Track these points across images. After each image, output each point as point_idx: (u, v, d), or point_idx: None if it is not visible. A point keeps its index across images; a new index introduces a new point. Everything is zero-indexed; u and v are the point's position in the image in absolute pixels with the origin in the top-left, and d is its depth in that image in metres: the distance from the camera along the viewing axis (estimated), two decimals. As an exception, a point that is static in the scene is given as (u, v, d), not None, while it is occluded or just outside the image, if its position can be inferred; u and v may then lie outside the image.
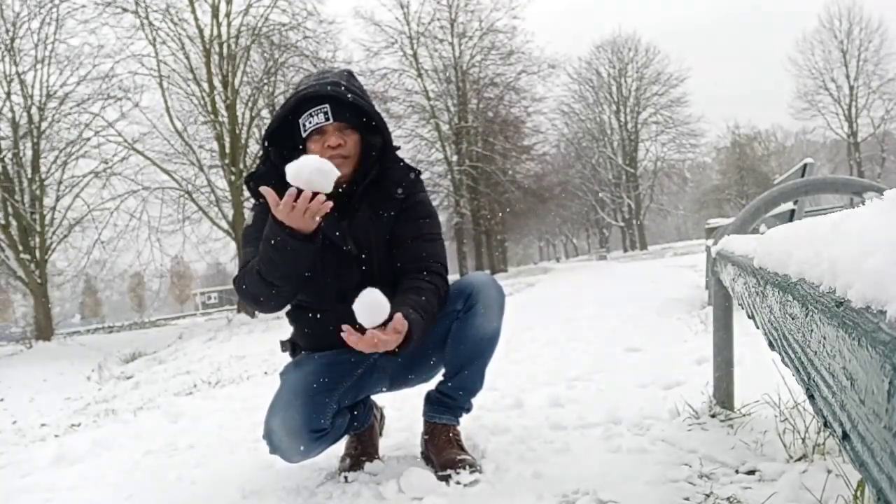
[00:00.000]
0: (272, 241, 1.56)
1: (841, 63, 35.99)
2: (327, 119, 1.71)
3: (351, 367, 1.80)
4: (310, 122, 1.71)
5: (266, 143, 1.79)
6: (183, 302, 58.84)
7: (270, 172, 1.78)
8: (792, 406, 1.63)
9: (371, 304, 1.47)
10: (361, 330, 1.47)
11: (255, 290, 1.66)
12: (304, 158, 1.51)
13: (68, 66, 16.13)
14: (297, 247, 1.55)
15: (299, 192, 1.50)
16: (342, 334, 1.44)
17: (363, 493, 1.70)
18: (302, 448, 1.69)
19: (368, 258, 1.78)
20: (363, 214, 1.78)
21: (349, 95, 1.73)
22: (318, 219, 1.55)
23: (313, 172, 1.48)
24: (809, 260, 0.60)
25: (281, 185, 1.78)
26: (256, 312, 15.28)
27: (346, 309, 1.70)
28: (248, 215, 1.84)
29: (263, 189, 1.53)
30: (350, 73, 1.84)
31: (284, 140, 1.79)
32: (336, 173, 1.51)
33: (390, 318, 1.49)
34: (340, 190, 1.80)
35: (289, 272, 1.61)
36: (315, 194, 1.51)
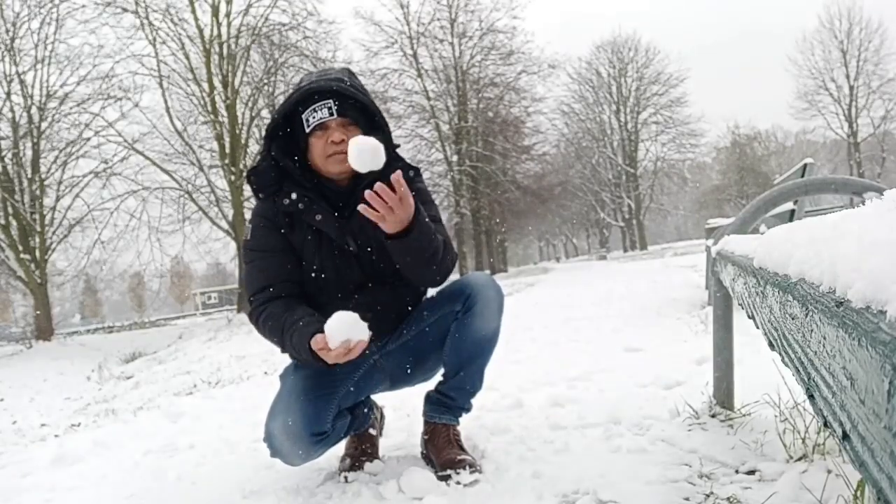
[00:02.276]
0: (303, 358, 1.58)
1: (841, 63, 35.99)
2: (331, 114, 1.71)
3: (351, 369, 1.80)
4: (313, 118, 1.71)
5: (269, 138, 1.79)
6: (183, 302, 58.82)
7: (271, 169, 1.78)
8: (792, 406, 1.63)
9: (367, 146, 1.55)
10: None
11: (273, 342, 1.70)
12: (336, 319, 1.49)
13: (68, 66, 16.17)
14: (325, 367, 1.58)
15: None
16: (366, 195, 1.52)
17: (363, 493, 1.70)
18: (303, 451, 1.68)
19: (368, 256, 1.78)
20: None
21: (353, 92, 1.73)
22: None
23: (352, 331, 1.48)
24: (809, 260, 0.60)
25: (279, 182, 1.78)
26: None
27: (347, 307, 1.70)
28: (247, 227, 1.84)
29: (316, 340, 1.51)
30: (350, 72, 1.84)
31: (286, 135, 1.79)
32: (364, 327, 1.50)
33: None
34: (342, 188, 1.80)
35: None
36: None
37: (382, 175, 1.79)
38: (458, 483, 1.68)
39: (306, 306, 1.69)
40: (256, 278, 1.75)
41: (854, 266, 0.46)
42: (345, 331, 1.47)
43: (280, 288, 1.73)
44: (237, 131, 16.56)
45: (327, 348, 1.48)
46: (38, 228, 15.97)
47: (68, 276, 18.26)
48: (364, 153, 1.58)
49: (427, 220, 1.67)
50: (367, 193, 1.52)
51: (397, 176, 1.54)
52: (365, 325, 1.49)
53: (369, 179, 1.78)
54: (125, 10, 15.95)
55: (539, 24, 30.48)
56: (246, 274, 1.81)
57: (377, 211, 1.54)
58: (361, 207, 1.55)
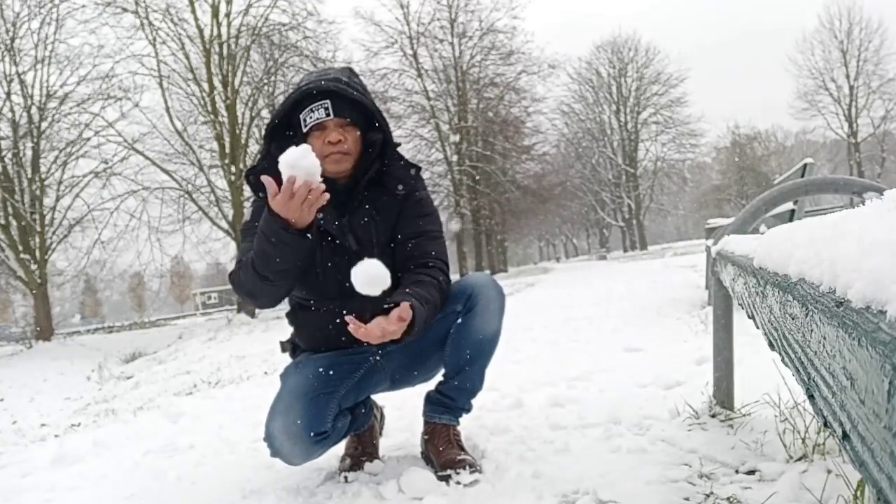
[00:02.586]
0: (266, 234, 1.55)
1: (841, 63, 35.98)
2: (328, 115, 1.71)
3: (352, 369, 1.80)
4: (310, 118, 1.72)
5: (268, 138, 1.79)
6: (183, 302, 58.82)
7: (271, 167, 1.79)
8: (792, 406, 1.63)
9: (370, 274, 1.50)
10: (365, 321, 1.48)
11: (249, 284, 1.65)
12: (293, 149, 1.48)
13: (68, 66, 16.16)
14: (291, 241, 1.54)
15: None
16: (349, 327, 1.45)
17: (363, 493, 1.70)
18: (303, 451, 1.68)
19: (368, 256, 1.78)
20: (363, 212, 1.79)
21: (350, 92, 1.73)
22: (314, 211, 1.53)
23: (305, 160, 1.46)
24: (809, 260, 0.60)
25: (281, 180, 1.78)
26: (256, 312, 15.29)
27: (347, 306, 1.70)
28: (247, 212, 1.84)
29: (264, 178, 1.50)
30: (351, 71, 1.84)
31: (285, 135, 1.79)
32: (317, 164, 1.48)
33: (390, 308, 1.51)
34: (341, 187, 1.80)
35: (283, 267, 1.60)
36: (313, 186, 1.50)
37: (382, 174, 1.80)
38: (458, 483, 1.68)
39: None
40: (246, 249, 1.72)
41: (854, 266, 0.46)
42: (291, 163, 1.44)
43: None
44: (237, 131, 16.56)
45: (291, 188, 1.46)
46: (38, 228, 15.96)
47: (68, 276, 18.26)
48: (366, 286, 1.53)
49: (423, 309, 1.60)
50: (352, 329, 1.46)
51: (403, 308, 1.49)
52: (317, 161, 1.46)
53: (368, 177, 1.79)
54: (125, 10, 15.95)
55: (539, 24, 30.52)
56: (238, 250, 1.81)
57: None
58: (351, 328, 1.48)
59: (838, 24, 35.92)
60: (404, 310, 1.50)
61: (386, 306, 1.54)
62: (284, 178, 1.46)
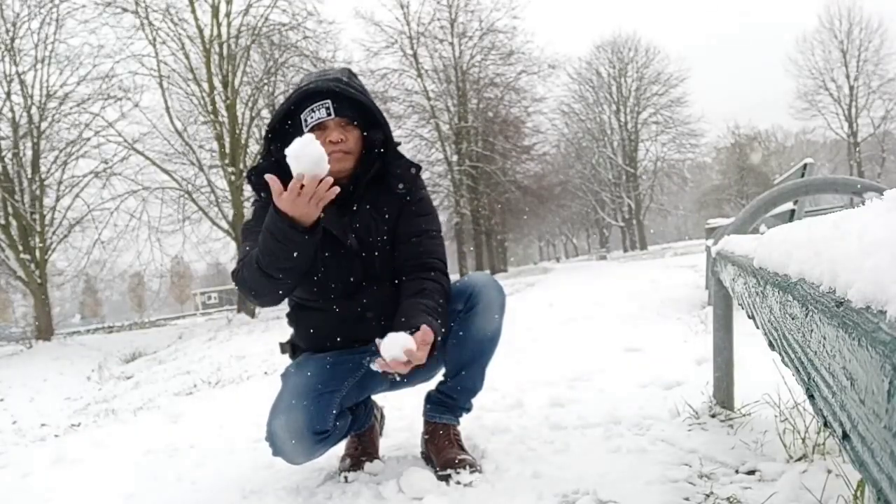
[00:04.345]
0: (273, 233, 1.55)
1: (841, 63, 36.00)
2: (329, 114, 1.71)
3: (353, 368, 1.80)
4: (311, 118, 1.72)
5: (268, 138, 1.80)
6: (183, 302, 58.82)
7: (272, 167, 1.79)
8: (792, 406, 1.63)
9: (393, 341, 1.48)
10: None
11: (253, 282, 1.65)
12: (301, 141, 1.45)
13: (68, 66, 16.14)
14: (298, 238, 1.55)
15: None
16: (372, 365, 1.48)
17: (363, 493, 1.70)
18: (305, 450, 1.69)
19: (370, 254, 1.78)
20: (364, 210, 1.79)
21: (351, 91, 1.73)
22: (320, 208, 1.54)
23: (315, 155, 1.44)
24: (809, 260, 0.60)
25: (283, 179, 1.78)
26: (256, 312, 15.29)
27: (348, 306, 1.70)
28: (249, 211, 1.84)
29: (268, 177, 1.51)
30: (350, 72, 1.85)
31: (286, 135, 1.79)
32: (324, 155, 1.46)
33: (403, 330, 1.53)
34: (342, 186, 1.80)
35: (290, 265, 1.60)
36: (321, 180, 1.49)
37: (382, 173, 1.80)
38: (458, 483, 1.68)
39: None
40: (247, 249, 1.72)
41: (854, 266, 0.46)
42: (298, 154, 1.41)
43: None
44: (237, 131, 16.55)
45: (299, 187, 1.45)
46: (38, 228, 15.95)
47: (68, 276, 18.24)
48: (314, 157, 1.46)
49: (439, 325, 1.62)
50: (381, 365, 1.49)
51: (425, 332, 1.51)
52: (323, 151, 1.44)
53: (369, 176, 1.79)
54: (125, 10, 15.94)
55: (539, 24, 30.49)
56: (239, 250, 1.81)
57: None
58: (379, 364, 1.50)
59: (838, 24, 35.96)
60: (427, 333, 1.52)
61: (404, 323, 1.55)
62: (293, 168, 1.44)
